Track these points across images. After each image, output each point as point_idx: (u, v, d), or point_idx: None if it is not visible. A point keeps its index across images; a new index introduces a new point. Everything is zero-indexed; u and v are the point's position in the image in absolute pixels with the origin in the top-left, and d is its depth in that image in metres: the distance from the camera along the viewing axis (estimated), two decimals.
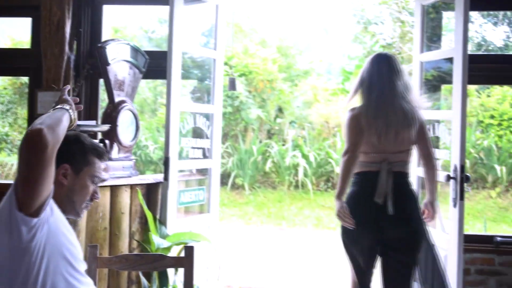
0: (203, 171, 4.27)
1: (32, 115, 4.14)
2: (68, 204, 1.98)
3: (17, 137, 10.68)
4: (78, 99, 2.13)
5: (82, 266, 1.99)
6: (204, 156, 4.15)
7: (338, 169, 10.40)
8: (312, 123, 12.55)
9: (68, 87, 2.14)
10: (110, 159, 3.53)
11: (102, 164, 2.07)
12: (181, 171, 3.94)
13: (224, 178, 10.93)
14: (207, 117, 4.18)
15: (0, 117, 10.72)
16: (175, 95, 3.69)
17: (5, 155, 10.88)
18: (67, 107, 1.96)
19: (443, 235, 3.73)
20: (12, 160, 10.72)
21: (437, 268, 3.38)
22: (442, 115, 4.10)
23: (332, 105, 12.49)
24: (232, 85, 4.55)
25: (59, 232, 1.88)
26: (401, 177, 3.20)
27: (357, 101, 3.35)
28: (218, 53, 4.22)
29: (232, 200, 10.78)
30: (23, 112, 10.26)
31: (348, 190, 3.26)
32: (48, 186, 1.79)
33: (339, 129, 11.72)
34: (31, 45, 4.42)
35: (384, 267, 3.27)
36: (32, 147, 1.71)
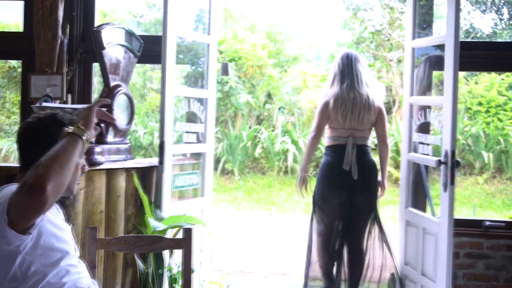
0: (196, 156, 4.30)
1: (25, 99, 4.13)
2: None
3: (5, 121, 10.61)
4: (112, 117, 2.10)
5: (74, 258, 1.99)
6: (198, 141, 4.18)
7: None
8: (301, 109, 12.55)
9: (103, 102, 2.03)
10: (106, 143, 3.54)
11: None
12: (174, 155, 3.96)
13: (214, 163, 10.93)
14: (201, 101, 4.20)
15: None
16: (170, 80, 3.70)
17: None
18: (80, 131, 1.78)
19: (433, 219, 3.80)
20: (1, 145, 10.66)
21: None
22: (434, 101, 4.15)
23: (322, 91, 12.50)
24: (224, 70, 4.56)
25: (47, 233, 1.88)
26: (363, 148, 4.13)
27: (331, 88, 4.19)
28: (212, 38, 4.23)
29: (222, 186, 10.82)
30: (11, 96, 10.17)
31: (322, 159, 4.29)
32: (42, 216, 1.80)
33: None
34: (24, 28, 4.40)
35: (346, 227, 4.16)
36: (32, 201, 1.67)
